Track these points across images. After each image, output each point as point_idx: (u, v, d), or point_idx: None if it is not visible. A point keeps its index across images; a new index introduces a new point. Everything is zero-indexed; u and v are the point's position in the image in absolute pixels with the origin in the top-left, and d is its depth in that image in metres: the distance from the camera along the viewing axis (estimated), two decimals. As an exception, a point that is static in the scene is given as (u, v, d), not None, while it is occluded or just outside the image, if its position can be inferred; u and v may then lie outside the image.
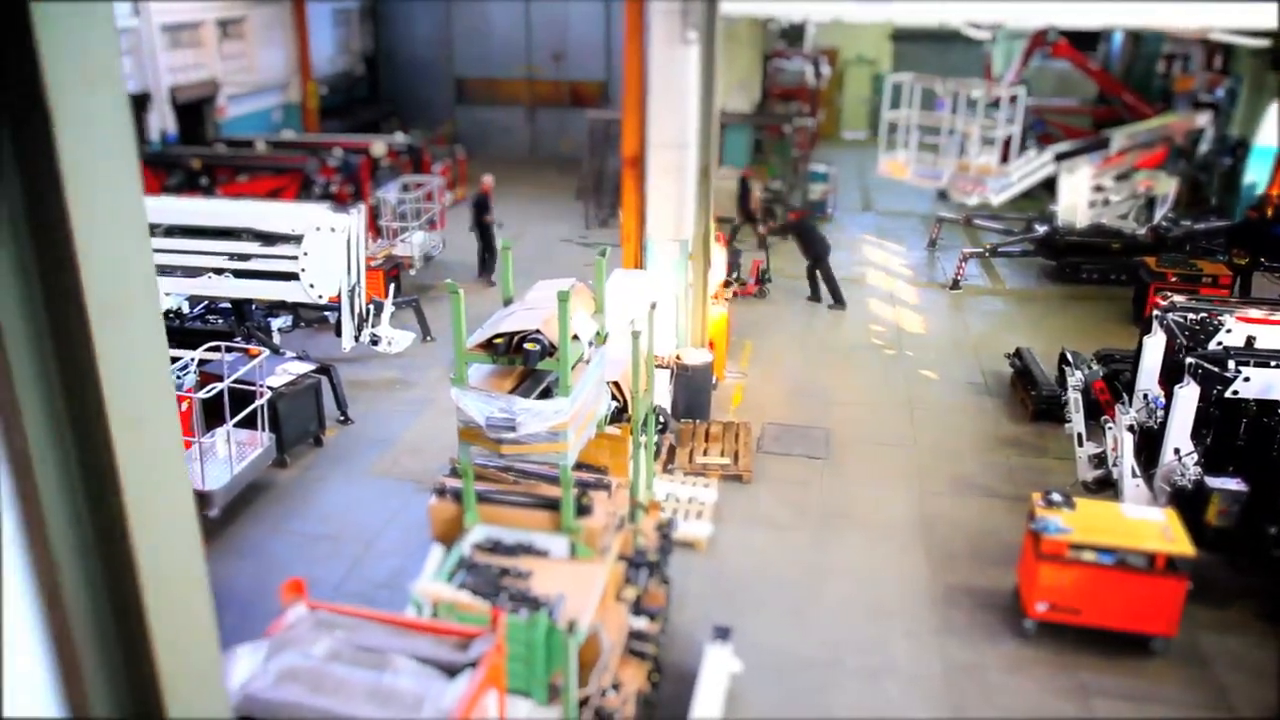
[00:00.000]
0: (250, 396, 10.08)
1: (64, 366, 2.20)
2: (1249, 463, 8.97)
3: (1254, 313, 9.76)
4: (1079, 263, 17.17)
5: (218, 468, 9.56)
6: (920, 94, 16.47)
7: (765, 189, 20.62)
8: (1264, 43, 17.14)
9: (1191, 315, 9.93)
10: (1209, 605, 8.43)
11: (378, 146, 19.18)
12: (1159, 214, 16.90)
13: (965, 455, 11.28)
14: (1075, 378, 10.31)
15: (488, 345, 5.72)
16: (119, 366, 2.18)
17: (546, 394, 5.99)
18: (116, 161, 2.13)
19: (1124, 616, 7.93)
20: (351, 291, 12.13)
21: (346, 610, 4.35)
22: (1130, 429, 9.21)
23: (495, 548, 5.84)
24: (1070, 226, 16.77)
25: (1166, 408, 9.17)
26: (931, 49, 28.30)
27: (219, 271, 11.92)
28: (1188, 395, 8.77)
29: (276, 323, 13.16)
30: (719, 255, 13.23)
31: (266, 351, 10.97)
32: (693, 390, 11.53)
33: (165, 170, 18.02)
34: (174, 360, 9.88)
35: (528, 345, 5.51)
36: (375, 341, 12.76)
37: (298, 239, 11.68)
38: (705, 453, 10.76)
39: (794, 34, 25.14)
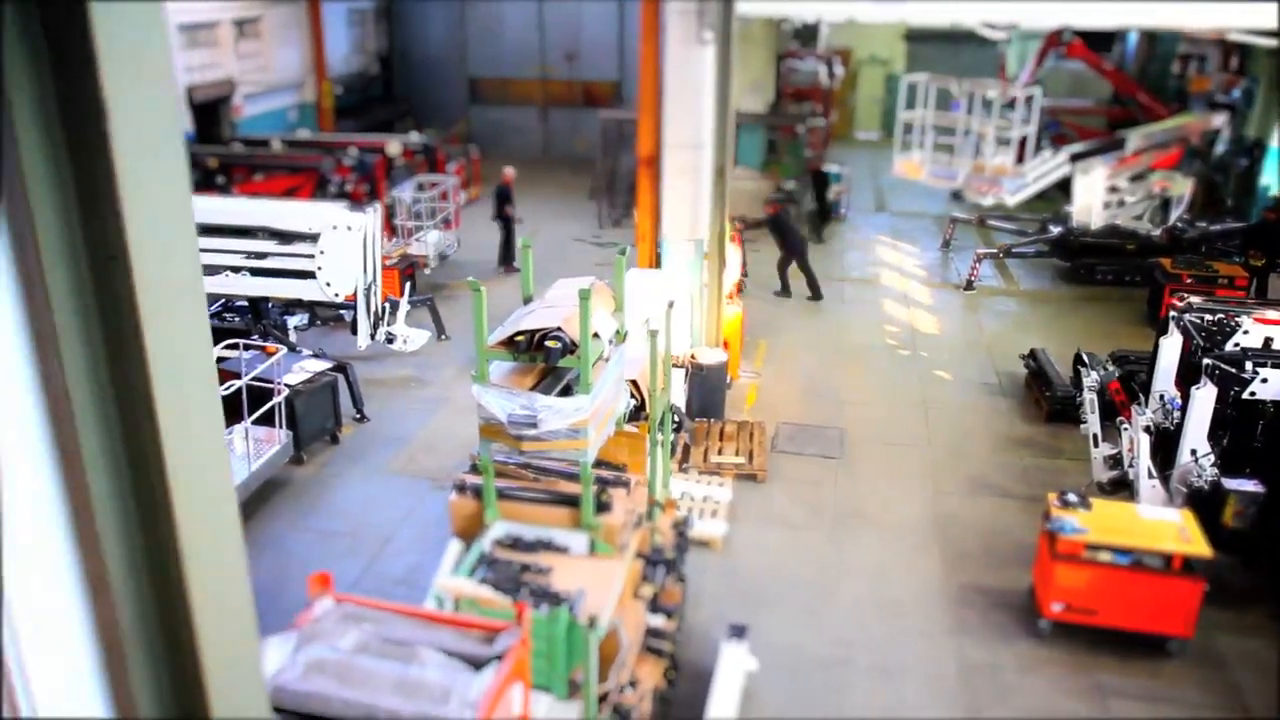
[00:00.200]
0: (267, 394, 10.15)
1: (112, 358, 2.25)
2: (1266, 464, 8.95)
3: (1271, 314, 9.75)
4: (1093, 264, 17.13)
5: (235, 464, 9.64)
6: (935, 94, 16.46)
7: (778, 189, 20.64)
8: (1281, 43, 17.06)
9: (1208, 316, 9.91)
10: (1225, 607, 8.42)
11: (393, 146, 19.26)
12: (1174, 215, 16.85)
13: (979, 455, 11.28)
14: (1091, 378, 10.30)
15: (509, 343, 5.77)
16: (167, 359, 2.23)
17: (566, 392, 6.04)
18: (167, 156, 2.18)
19: (1140, 617, 7.93)
20: (367, 290, 12.19)
21: (373, 603, 4.40)
22: (1146, 430, 9.20)
23: (515, 544, 5.89)
24: (1085, 227, 16.74)
25: (1183, 409, 9.16)
26: (945, 49, 28.26)
27: (236, 270, 11.99)
28: (1205, 396, 8.76)
29: (293, 321, 13.23)
30: (734, 255, 13.25)
31: (284, 349, 11.05)
32: (707, 389, 11.57)
33: (182, 169, 18.09)
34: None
35: (549, 343, 5.55)
36: (390, 340, 12.82)
37: (314, 238, 11.74)
38: (720, 452, 10.80)
39: (807, 34, 25.13)
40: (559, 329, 5.59)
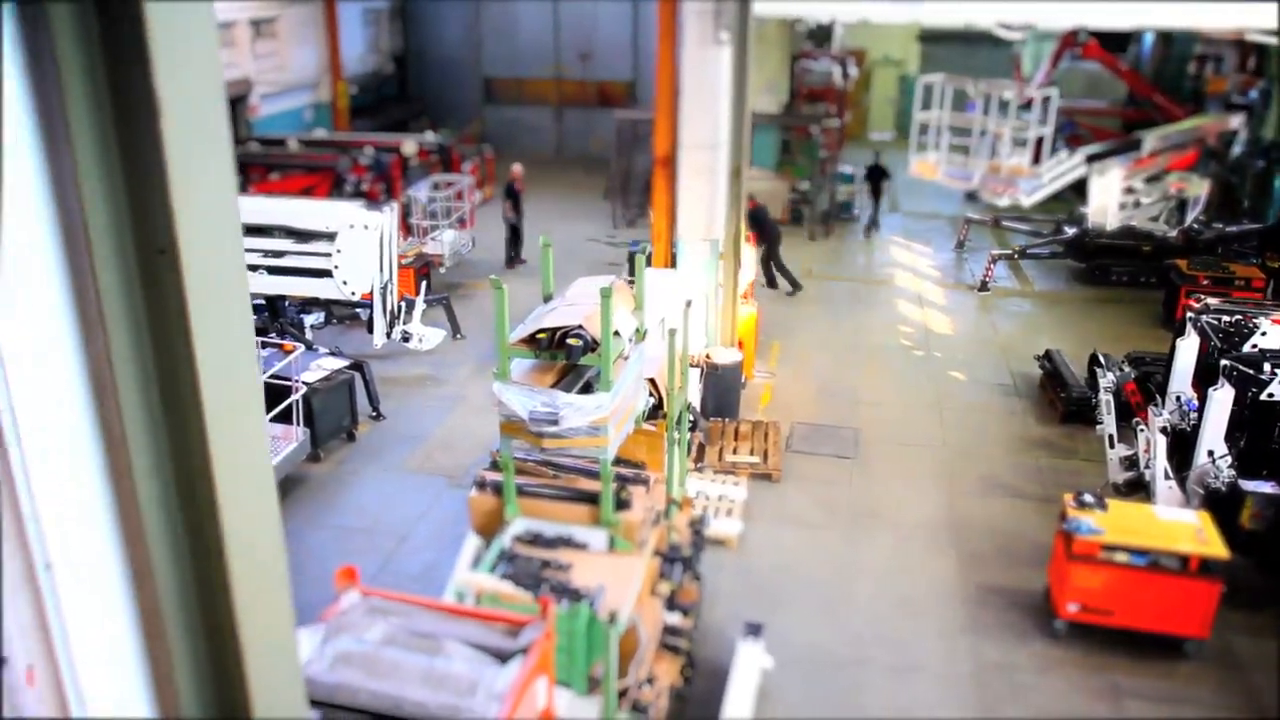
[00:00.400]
0: (285, 391, 10.22)
1: (158, 349, 2.30)
2: (1283, 466, 8.93)
3: (1289, 316, 9.73)
4: (1108, 265, 17.09)
5: (255, 461, 9.69)
6: (951, 95, 16.46)
7: (793, 190, 20.66)
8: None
9: (1225, 318, 9.89)
10: (1242, 608, 8.40)
11: (408, 145, 19.35)
12: (1190, 216, 16.79)
13: (994, 456, 11.28)
14: (1107, 379, 10.29)
15: (530, 340, 5.81)
16: (214, 350, 2.28)
17: (586, 389, 6.08)
18: (215, 153, 2.23)
19: (1156, 618, 7.93)
20: (384, 289, 12.26)
21: (399, 597, 4.45)
22: (1163, 431, 9.19)
23: (535, 540, 5.93)
24: (1100, 229, 16.70)
25: (1199, 410, 9.15)
26: (959, 50, 28.20)
27: (253, 268, 12.08)
28: (1222, 397, 8.74)
29: (309, 319, 13.32)
30: (749, 255, 13.27)
31: (301, 347, 11.12)
32: (722, 389, 11.59)
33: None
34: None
35: (570, 340, 5.60)
36: (406, 338, 12.89)
37: (331, 236, 11.82)
38: (735, 451, 10.82)
39: (821, 35, 25.12)
40: (580, 327, 5.63)
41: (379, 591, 4.50)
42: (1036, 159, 16.27)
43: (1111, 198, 16.32)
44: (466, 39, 27.65)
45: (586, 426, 5.56)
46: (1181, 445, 9.43)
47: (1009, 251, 17.84)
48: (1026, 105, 16.30)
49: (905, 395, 12.86)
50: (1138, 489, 9.58)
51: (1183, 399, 9.48)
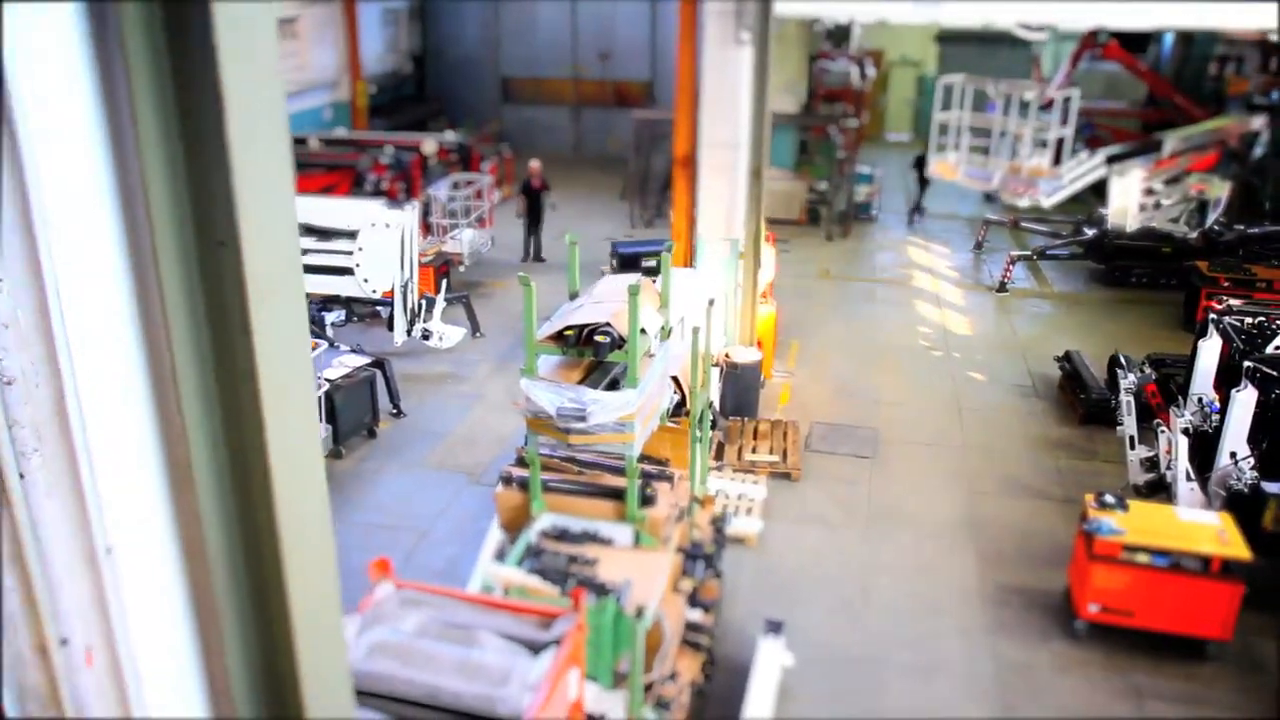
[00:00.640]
0: (308, 388, 10.29)
1: (217, 341, 2.36)
2: (1306, 468, 8.91)
3: (1312, 317, 9.70)
4: (1128, 266, 17.03)
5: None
6: (972, 95, 16.45)
7: (811, 190, 20.67)
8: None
9: (1248, 319, 9.87)
10: (1264, 610, 8.37)
11: (428, 144, 19.45)
12: (1211, 218, 16.72)
13: (1014, 457, 11.28)
14: (1128, 380, 10.27)
15: (558, 337, 5.86)
16: (272, 342, 2.34)
17: (612, 387, 6.13)
18: (275, 148, 2.30)
19: (1178, 619, 7.92)
20: (404, 287, 12.35)
21: (432, 589, 4.51)
22: (1185, 432, 9.17)
23: (562, 535, 5.99)
24: (1120, 230, 16.64)
25: (1221, 412, 9.13)
26: (977, 51, 28.13)
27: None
28: (1245, 399, 8.72)
29: (330, 317, 13.41)
30: (768, 255, 13.30)
31: (323, 344, 11.22)
32: (741, 388, 11.63)
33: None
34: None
35: (598, 337, 5.65)
36: (426, 336, 12.97)
37: (353, 234, 11.90)
38: (754, 450, 10.86)
39: (839, 35, 25.09)
40: (608, 324, 5.68)
41: (412, 583, 4.57)
42: (1057, 160, 16.24)
43: (1132, 199, 16.27)
44: (485, 39, 27.77)
45: (613, 423, 5.61)
46: (1203, 447, 9.41)
47: (1028, 252, 17.80)
48: (1046, 106, 16.27)
49: (924, 395, 12.87)
50: (1158, 490, 9.57)
51: (1204, 400, 9.46)
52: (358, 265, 11.87)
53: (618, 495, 6.12)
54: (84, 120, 2.17)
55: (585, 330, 5.76)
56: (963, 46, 29.15)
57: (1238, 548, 7.75)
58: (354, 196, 17.38)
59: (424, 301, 12.94)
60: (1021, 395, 12.94)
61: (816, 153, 21.36)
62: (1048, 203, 16.23)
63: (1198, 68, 24.14)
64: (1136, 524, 8.06)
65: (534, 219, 17.83)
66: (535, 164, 17.97)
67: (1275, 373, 8.84)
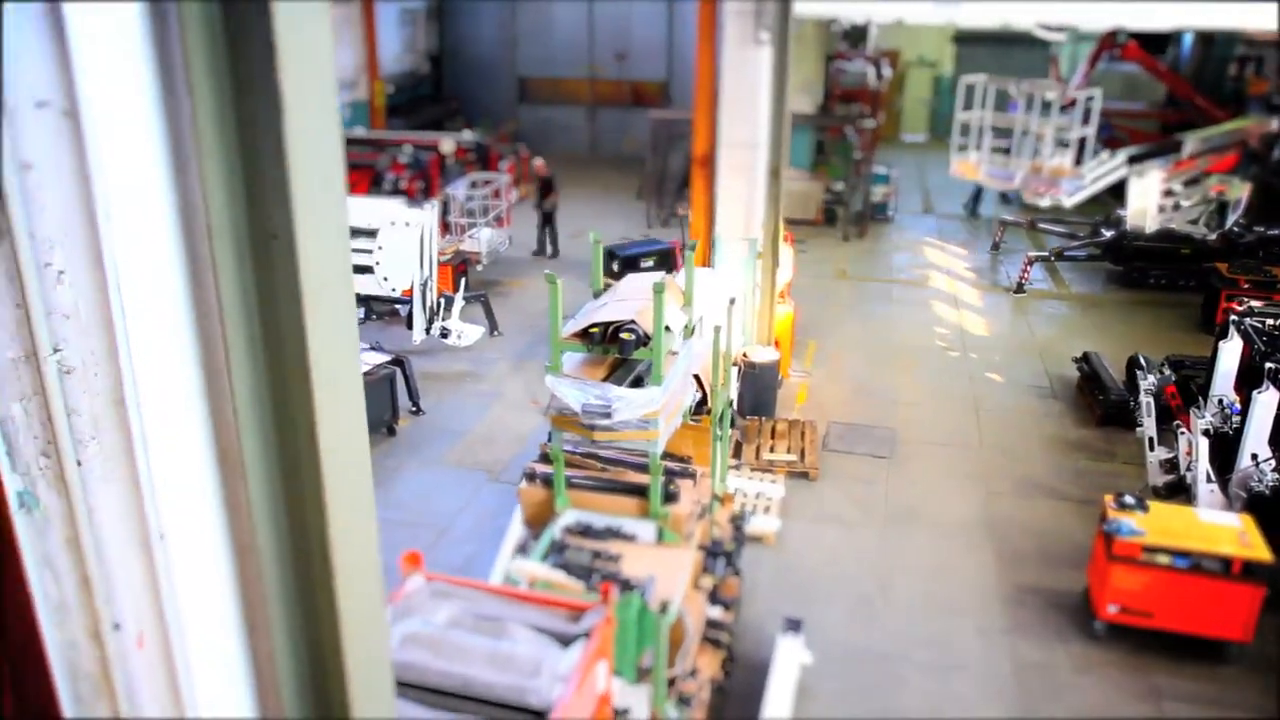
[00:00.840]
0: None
1: (268, 335, 2.42)
2: (1328, 470, 8.87)
3: (1334, 319, 9.66)
4: (1146, 268, 16.98)
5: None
6: (994, 95, 16.45)
7: (827, 190, 20.68)
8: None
9: (1270, 320, 9.84)
10: (1285, 613, 8.36)
11: (446, 144, 19.55)
12: (1231, 219, 16.65)
13: (1031, 457, 11.27)
14: (1148, 382, 10.26)
15: (583, 334, 5.91)
16: (324, 334, 2.39)
17: (635, 385, 6.17)
18: (328, 143, 2.35)
19: (1198, 621, 7.91)
20: (424, 285, 12.43)
21: (462, 581, 4.56)
22: (1206, 433, 9.16)
23: (585, 531, 6.04)
24: (1139, 231, 16.60)
25: (1242, 413, 9.11)
26: (994, 51, 28.10)
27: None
28: (1267, 401, 8.70)
29: (350, 314, 13.48)
30: (786, 255, 13.32)
31: (344, 341, 11.29)
32: (759, 387, 11.66)
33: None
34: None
35: (623, 335, 5.69)
36: (445, 335, 13.04)
37: (372, 233, 11.99)
38: (772, 449, 10.88)
39: (856, 35, 25.09)
40: (633, 321, 5.72)
41: (442, 576, 4.62)
42: (1079, 160, 16.22)
43: (1151, 200, 16.22)
44: (502, 39, 27.87)
45: (638, 420, 5.66)
46: (1223, 448, 9.39)
47: (1045, 253, 17.76)
48: (1068, 106, 16.25)
49: (941, 396, 12.87)
50: (1178, 492, 9.55)
51: (1225, 402, 9.44)
52: (377, 264, 11.96)
53: (640, 492, 6.17)
54: (144, 115, 2.23)
55: (610, 328, 5.81)
56: (979, 47, 29.12)
57: (1259, 550, 7.73)
58: (373, 195, 17.50)
59: (443, 300, 13.02)
60: (1039, 396, 12.92)
61: (833, 153, 21.38)
62: (1069, 202, 16.20)
63: (1218, 68, 24.02)
64: (1156, 525, 8.05)
65: (547, 215, 18.08)
66: (539, 162, 18.27)
67: (1297, 374, 8.81)
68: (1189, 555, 7.85)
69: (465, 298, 13.95)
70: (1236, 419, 9.24)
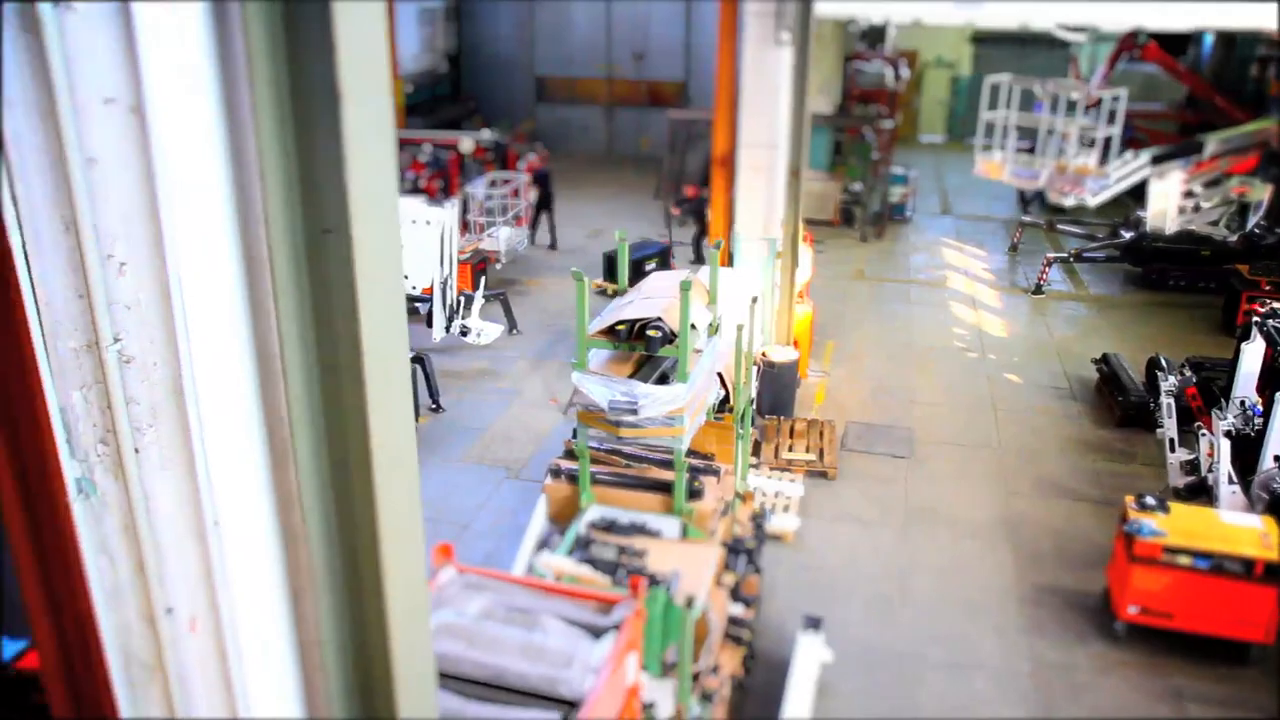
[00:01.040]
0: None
1: (320, 327, 2.48)
2: (1350, 473, 8.84)
3: (1357, 321, 9.61)
4: (1166, 269, 16.91)
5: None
6: (1019, 95, 16.47)
7: (845, 191, 20.67)
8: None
9: (1292, 322, 9.80)
10: (1306, 614, 8.34)
11: (466, 143, 19.63)
12: (1252, 221, 16.57)
13: (1050, 458, 11.26)
14: (1169, 383, 10.24)
15: (609, 332, 5.96)
16: (376, 327, 2.45)
17: (661, 381, 6.22)
18: (382, 138, 2.41)
19: (1219, 622, 7.89)
20: (444, 283, 12.50)
21: (493, 574, 4.62)
22: (1227, 435, 9.14)
23: (610, 527, 6.09)
24: (1159, 232, 16.54)
25: (1264, 415, 9.09)
26: (1012, 52, 28.03)
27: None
28: (1290, 403, 8.68)
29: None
30: (805, 255, 13.35)
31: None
32: (778, 387, 11.68)
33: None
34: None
35: (650, 332, 5.74)
36: (465, 333, 13.10)
37: (394, 231, 12.05)
38: (790, 448, 10.91)
39: (874, 36, 25.08)
40: (659, 319, 5.77)
41: (474, 568, 4.68)
42: (1104, 159, 16.21)
43: (1171, 202, 16.16)
44: (520, 38, 27.97)
45: (663, 417, 5.70)
46: (1245, 450, 9.37)
47: (1065, 254, 17.72)
48: (1092, 106, 16.24)
49: (959, 396, 12.87)
50: (1199, 494, 9.54)
51: (1247, 404, 9.42)
52: (399, 261, 12.02)
53: (665, 488, 6.22)
54: (205, 112, 2.30)
55: (636, 325, 5.86)
56: (998, 47, 29.04)
57: (1281, 551, 7.72)
58: (392, 194, 17.55)
59: (462, 298, 13.09)
60: (1058, 397, 12.91)
61: (850, 154, 21.36)
62: (1094, 201, 16.19)
63: (1239, 69, 23.89)
64: (1178, 526, 8.04)
65: (544, 204, 18.42)
66: (534, 158, 18.61)
67: (1320, 376, 8.78)
68: (1210, 556, 7.84)
69: (485, 296, 14.01)
70: (1258, 421, 9.21)
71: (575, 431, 6.32)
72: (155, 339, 2.36)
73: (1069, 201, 16.65)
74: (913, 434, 11.74)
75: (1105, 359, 12.89)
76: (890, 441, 11.56)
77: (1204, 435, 9.53)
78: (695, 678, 5.79)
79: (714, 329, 6.49)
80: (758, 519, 7.75)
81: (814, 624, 7.59)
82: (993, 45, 29.36)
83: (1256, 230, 16.54)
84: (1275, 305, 10.40)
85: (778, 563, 9.03)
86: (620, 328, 5.91)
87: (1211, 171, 16.43)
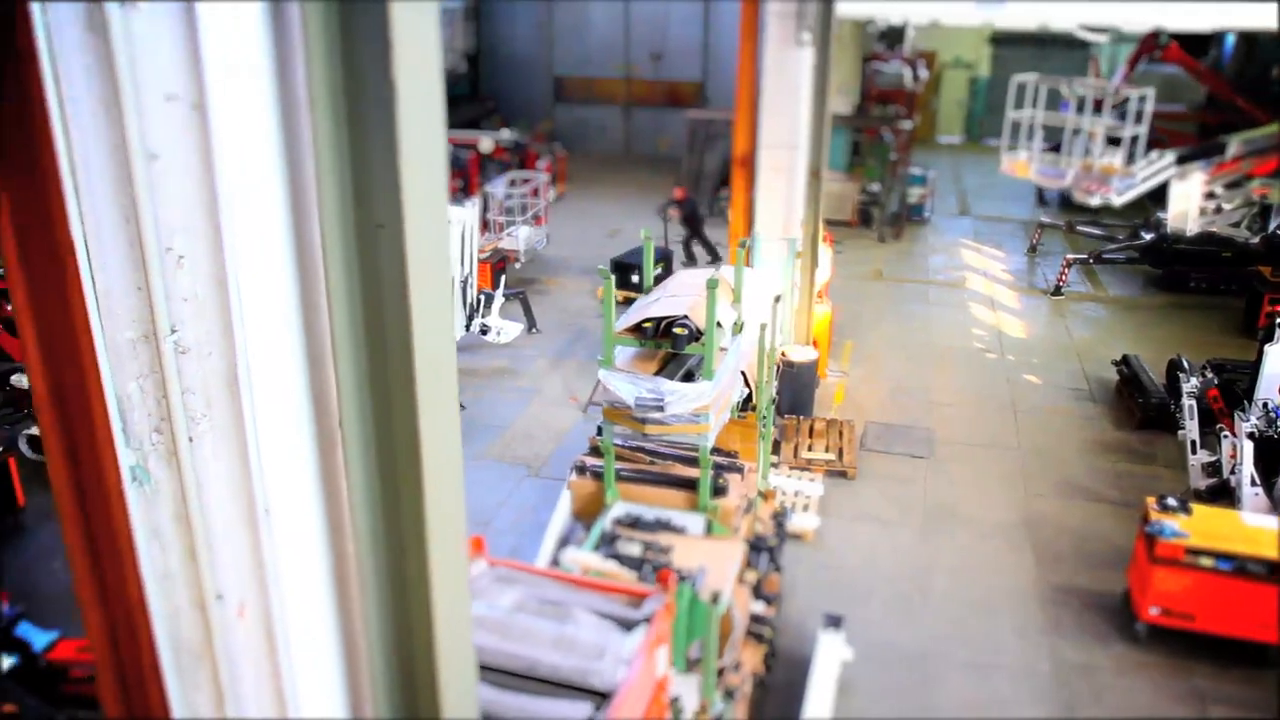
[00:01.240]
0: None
1: (369, 321, 2.53)
2: (1374, 475, 8.81)
3: (1382, 324, 9.58)
4: (1186, 271, 16.83)
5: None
6: (1046, 95, 16.48)
7: (863, 191, 20.67)
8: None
9: (1316, 324, 9.78)
10: (1330, 617, 8.30)
11: (485, 142, 19.73)
12: (1273, 222, 16.49)
13: (1070, 459, 11.24)
14: (1190, 384, 10.22)
15: (636, 329, 6.01)
16: (426, 321, 2.50)
17: (686, 379, 6.26)
18: (434, 136, 2.46)
19: (1241, 624, 7.87)
20: (464, 282, 12.58)
21: (525, 567, 4.67)
22: (1250, 437, 9.11)
23: (635, 523, 6.13)
24: (1180, 234, 16.48)
25: (1289, 417, 9.07)
26: (1031, 52, 27.93)
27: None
28: (1313, 404, 8.66)
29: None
30: (825, 255, 13.37)
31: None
32: (798, 386, 11.71)
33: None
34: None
35: (676, 330, 5.78)
36: (485, 331, 13.19)
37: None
38: (810, 448, 10.93)
39: (893, 36, 25.05)
40: (686, 316, 5.81)
41: (505, 561, 4.73)
42: (1130, 159, 16.20)
43: (1192, 203, 16.11)
44: (538, 38, 28.07)
45: (689, 414, 5.74)
46: (1267, 452, 9.34)
47: (1084, 255, 17.66)
48: (1117, 106, 16.22)
49: (979, 397, 12.86)
50: (1220, 496, 9.51)
51: (1270, 406, 9.39)
52: (420, 260, 12.11)
53: (689, 485, 6.26)
54: (264, 109, 2.35)
55: (663, 322, 5.90)
56: (1017, 48, 28.95)
57: (1305, 553, 7.69)
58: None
59: (482, 297, 13.17)
60: (1077, 399, 12.88)
61: (869, 154, 21.36)
62: (1120, 200, 16.19)
63: (1260, 70, 23.75)
64: (1199, 527, 8.02)
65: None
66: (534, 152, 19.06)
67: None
68: (1233, 558, 7.82)
69: (504, 295, 14.09)
70: (1281, 423, 9.19)
71: (600, 428, 6.37)
72: (211, 330, 2.42)
73: (1095, 201, 16.62)
74: (932, 434, 11.74)
75: (1125, 360, 12.86)
76: (909, 442, 11.56)
77: (1226, 437, 9.50)
78: (719, 674, 5.82)
79: (738, 327, 6.52)
80: (779, 517, 7.78)
81: (835, 622, 7.60)
82: (1011, 46, 29.27)
83: (1278, 232, 16.44)
84: (1299, 307, 10.36)
85: (798, 561, 9.05)
86: (647, 325, 5.95)
87: (1233, 173, 16.37)
